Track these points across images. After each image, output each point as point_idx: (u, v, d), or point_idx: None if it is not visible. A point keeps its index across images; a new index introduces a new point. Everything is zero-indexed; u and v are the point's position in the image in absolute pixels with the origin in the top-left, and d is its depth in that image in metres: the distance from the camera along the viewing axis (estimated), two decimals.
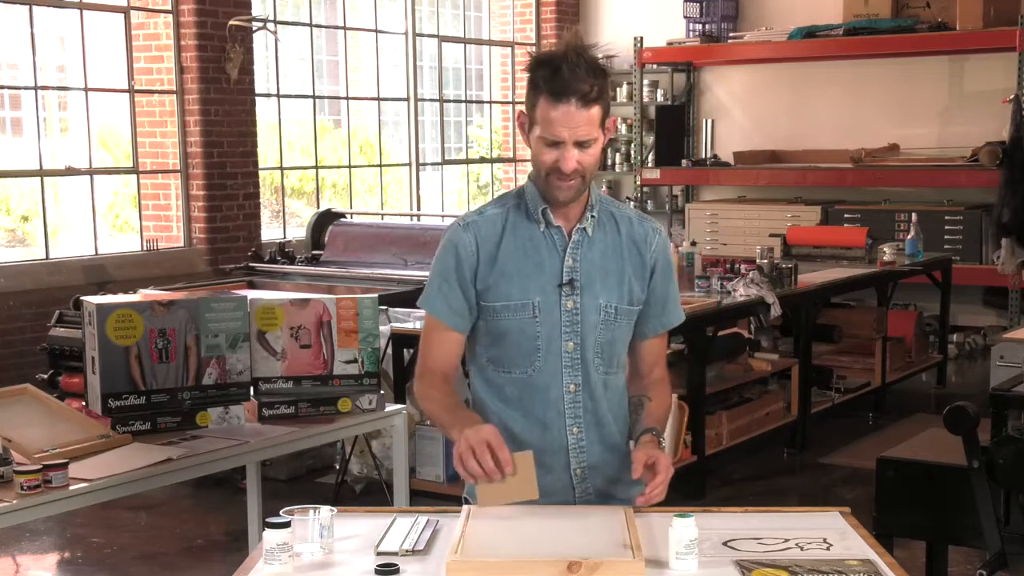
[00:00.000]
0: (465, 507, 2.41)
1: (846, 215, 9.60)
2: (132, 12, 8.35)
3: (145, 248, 8.48)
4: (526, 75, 2.50)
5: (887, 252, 7.47)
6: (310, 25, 9.80)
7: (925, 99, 10.02)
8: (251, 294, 5.41)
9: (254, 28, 8.62)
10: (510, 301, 2.52)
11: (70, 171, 8.22)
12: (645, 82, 11.08)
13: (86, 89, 8.20)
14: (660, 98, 11.14)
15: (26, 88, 8.19)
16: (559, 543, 2.20)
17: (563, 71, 2.39)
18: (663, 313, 2.64)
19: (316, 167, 10.03)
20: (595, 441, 2.57)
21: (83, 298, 3.69)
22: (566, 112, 2.40)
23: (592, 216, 2.55)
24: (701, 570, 2.17)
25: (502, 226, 2.55)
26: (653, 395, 2.64)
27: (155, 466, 3.20)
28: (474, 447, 2.35)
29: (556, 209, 2.54)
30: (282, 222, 9.74)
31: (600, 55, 2.45)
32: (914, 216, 8.08)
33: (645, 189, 11.10)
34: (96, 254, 8.13)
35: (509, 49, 11.67)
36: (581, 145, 2.43)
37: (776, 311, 5.99)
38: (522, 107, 2.53)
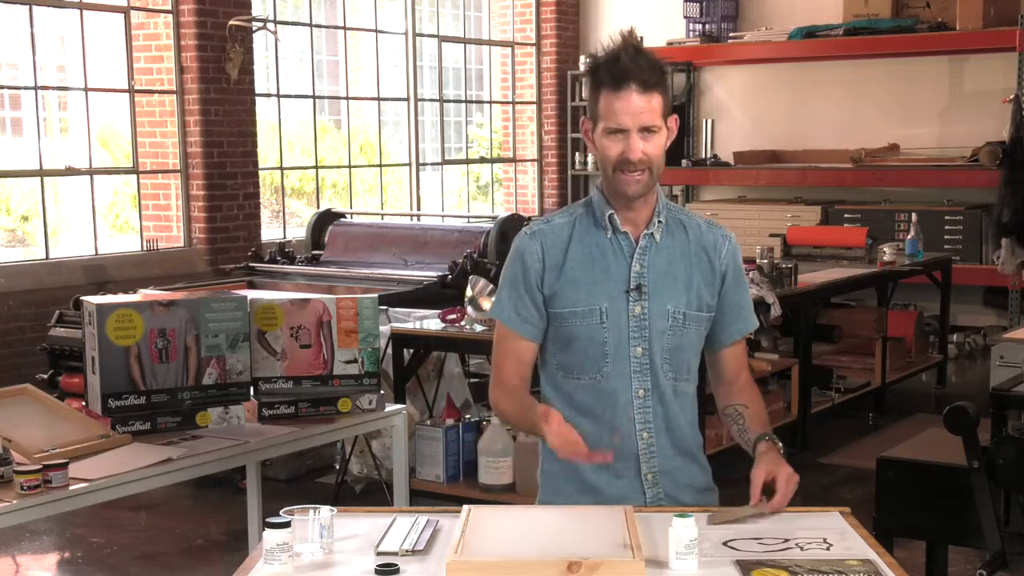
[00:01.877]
0: (465, 507, 2.41)
1: (846, 215, 9.60)
2: (132, 12, 8.34)
3: (145, 248, 8.48)
4: (588, 82, 2.53)
5: (887, 252, 7.47)
6: (310, 25, 9.80)
7: (925, 99, 10.02)
8: (251, 294, 5.40)
9: (254, 28, 8.62)
10: (577, 307, 2.53)
11: (70, 171, 8.22)
12: None
13: (86, 89, 8.19)
14: None
15: (26, 88, 8.20)
16: (559, 543, 2.20)
17: (622, 59, 2.44)
18: (738, 319, 2.65)
19: (316, 167, 10.03)
20: (666, 446, 2.58)
21: (83, 298, 3.68)
22: (627, 99, 2.43)
23: (660, 221, 2.56)
24: (701, 570, 2.17)
25: (569, 233, 2.57)
26: (747, 400, 2.65)
27: (155, 466, 3.19)
28: (561, 443, 2.40)
29: (623, 214, 2.55)
30: (282, 222, 9.74)
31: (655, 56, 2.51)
32: (914, 216, 8.08)
33: None
34: (96, 254, 8.13)
35: (509, 49, 11.67)
36: (645, 133, 2.45)
37: (776, 311, 5.99)
38: (584, 117, 2.57)
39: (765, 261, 6.36)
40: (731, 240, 2.64)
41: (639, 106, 2.43)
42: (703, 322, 2.60)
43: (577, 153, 11.80)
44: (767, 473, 2.45)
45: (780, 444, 2.56)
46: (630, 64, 2.43)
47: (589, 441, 2.48)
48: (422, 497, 4.93)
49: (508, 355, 2.61)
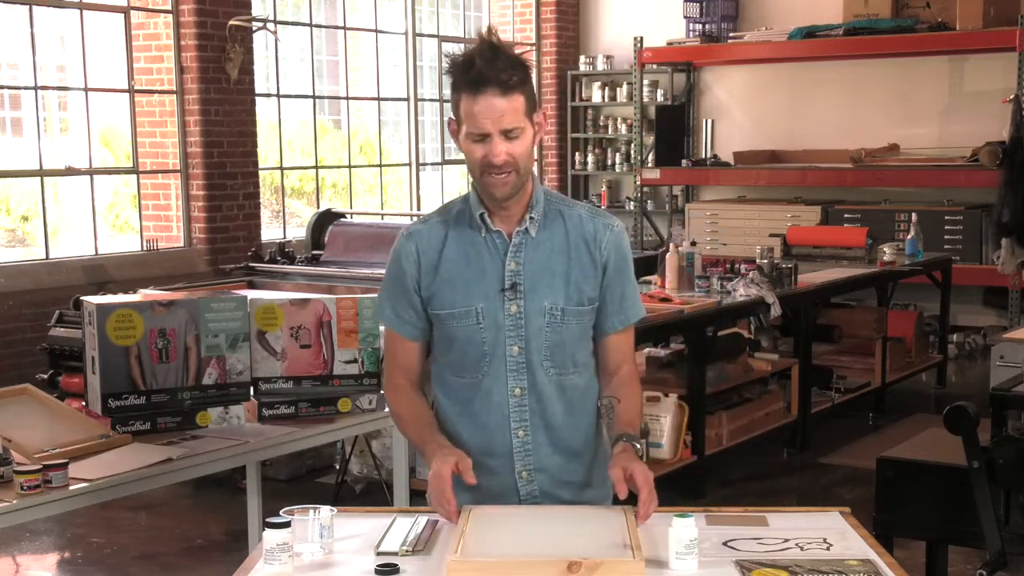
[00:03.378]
0: (465, 507, 2.41)
1: (846, 215, 9.60)
2: (132, 12, 8.35)
3: (145, 248, 8.48)
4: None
5: (887, 252, 7.47)
6: (310, 25, 9.80)
7: (925, 99, 10.02)
8: (251, 294, 5.40)
9: (254, 28, 8.62)
10: (454, 308, 2.53)
11: (70, 171, 8.22)
12: (645, 82, 11.08)
13: (86, 89, 8.20)
14: (660, 98, 11.14)
15: (26, 88, 8.19)
16: (559, 543, 2.20)
17: (476, 63, 2.40)
18: (620, 309, 2.60)
19: (316, 167, 10.03)
20: (543, 444, 2.56)
21: (83, 298, 3.69)
22: (487, 103, 2.40)
23: (532, 217, 2.53)
24: (701, 570, 2.17)
25: (444, 234, 2.56)
26: (622, 395, 2.58)
27: (155, 466, 3.19)
28: (434, 495, 2.41)
29: (495, 212, 2.53)
30: (282, 222, 9.74)
31: (517, 51, 2.47)
32: (914, 216, 8.08)
33: (645, 189, 11.10)
34: (96, 254, 8.13)
35: None
36: (508, 135, 2.42)
37: (776, 311, 5.99)
38: (450, 117, 2.54)
39: (765, 261, 6.36)
40: (613, 228, 2.59)
41: (499, 110, 2.40)
42: (585, 315, 2.57)
43: (577, 153, 11.81)
44: (625, 470, 2.38)
45: (639, 445, 2.48)
46: (485, 68, 2.38)
47: (465, 440, 2.54)
48: (422, 497, 4.91)
49: (394, 356, 2.65)
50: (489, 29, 2.49)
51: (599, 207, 2.74)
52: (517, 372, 2.53)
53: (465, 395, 2.57)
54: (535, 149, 2.56)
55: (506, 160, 2.43)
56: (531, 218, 2.53)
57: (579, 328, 2.57)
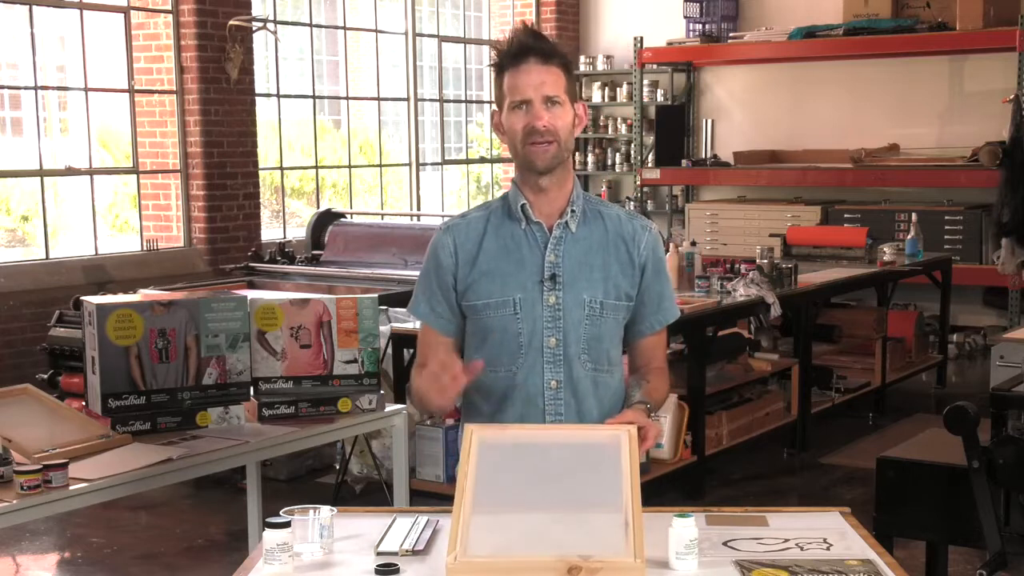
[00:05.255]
0: (467, 426, 2.39)
1: (846, 215, 9.60)
2: (132, 12, 8.35)
3: (145, 248, 8.48)
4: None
5: (887, 252, 7.48)
6: (310, 25, 9.80)
7: (925, 99, 10.02)
8: (251, 294, 5.40)
9: (254, 28, 8.62)
10: (491, 299, 2.53)
11: (70, 171, 8.22)
12: (645, 82, 11.08)
13: (86, 89, 8.20)
14: (660, 98, 11.14)
15: (26, 88, 8.20)
16: (560, 543, 2.19)
17: (519, 38, 2.51)
18: (658, 310, 2.64)
19: (316, 167, 10.03)
20: None
21: (83, 298, 3.68)
22: (527, 71, 2.48)
23: (573, 211, 2.56)
24: (701, 570, 2.17)
25: (483, 227, 2.57)
26: (651, 379, 2.62)
27: (155, 466, 3.19)
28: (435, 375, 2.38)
29: (536, 203, 2.55)
30: (282, 222, 9.74)
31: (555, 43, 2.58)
32: (914, 216, 8.08)
33: (645, 189, 11.10)
34: (96, 254, 8.13)
35: None
36: (549, 102, 2.48)
37: (776, 311, 5.99)
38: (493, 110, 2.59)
39: (765, 261, 6.36)
40: (651, 231, 2.64)
41: (540, 77, 2.48)
42: (621, 311, 2.59)
43: (577, 153, 11.80)
44: (634, 418, 2.40)
45: (654, 417, 2.51)
46: (527, 39, 2.50)
47: None
48: (422, 497, 4.93)
49: (428, 351, 2.61)
50: (524, 22, 2.58)
51: (632, 210, 2.75)
52: (554, 364, 2.54)
53: (499, 390, 2.57)
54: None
55: (548, 126, 2.47)
56: (572, 211, 2.56)
57: (615, 324, 2.59)
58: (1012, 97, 8.89)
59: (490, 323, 2.54)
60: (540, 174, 2.51)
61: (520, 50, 2.48)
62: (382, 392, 3.80)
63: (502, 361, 2.55)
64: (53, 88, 10.94)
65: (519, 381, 2.55)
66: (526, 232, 2.55)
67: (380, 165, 10.75)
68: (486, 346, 2.56)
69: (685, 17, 10.76)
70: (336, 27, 10.26)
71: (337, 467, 5.74)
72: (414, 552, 2.28)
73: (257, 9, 8.89)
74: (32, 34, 7.72)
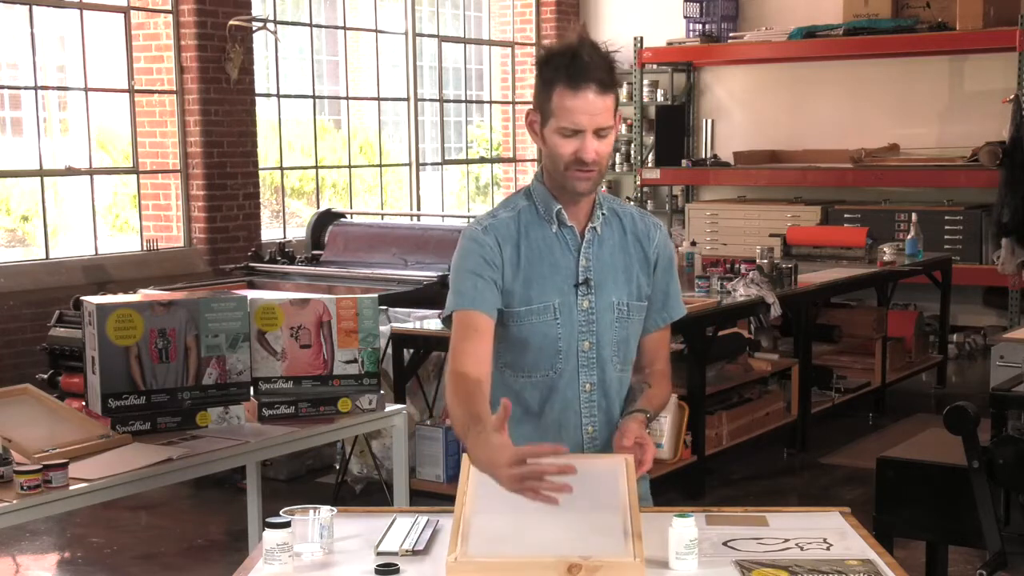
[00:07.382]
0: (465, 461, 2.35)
1: (846, 215, 9.60)
2: (132, 12, 8.34)
3: (145, 248, 8.48)
4: (535, 73, 2.49)
5: (887, 252, 7.48)
6: (310, 25, 9.80)
7: (925, 99, 10.02)
8: (251, 294, 5.41)
9: (254, 28, 8.62)
10: (532, 304, 2.51)
11: (70, 171, 8.22)
12: (645, 82, 11.08)
13: (86, 89, 8.19)
14: (660, 98, 11.14)
15: (26, 88, 8.19)
16: (560, 543, 2.19)
17: (581, 57, 2.39)
18: (664, 308, 2.65)
19: (316, 167, 10.03)
20: (606, 440, 2.57)
21: (83, 298, 3.68)
22: (585, 99, 2.39)
23: (602, 214, 2.56)
24: (701, 570, 2.17)
25: (516, 229, 2.54)
26: (653, 383, 2.63)
27: (155, 466, 3.19)
28: (523, 477, 2.15)
29: (567, 208, 2.54)
30: (282, 222, 9.74)
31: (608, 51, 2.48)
32: (914, 216, 8.08)
33: (645, 189, 11.10)
34: (96, 254, 8.13)
35: (509, 49, 11.67)
36: (599, 134, 2.43)
37: (776, 311, 5.99)
38: (529, 108, 2.52)
39: (765, 261, 6.36)
40: (662, 229, 2.65)
41: (597, 107, 2.40)
42: (642, 311, 2.60)
43: None
44: (638, 436, 2.41)
45: (651, 429, 2.53)
46: (589, 64, 2.38)
47: (536, 439, 2.44)
48: (422, 497, 4.93)
49: (470, 351, 2.44)
50: (584, 27, 2.51)
51: (643, 209, 2.75)
52: (588, 368, 2.54)
53: (533, 394, 2.55)
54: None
55: (595, 158, 2.44)
56: (602, 214, 2.56)
57: (639, 324, 2.60)
58: (1012, 97, 8.89)
59: (530, 329, 2.52)
60: (580, 196, 2.51)
61: (580, 73, 2.38)
62: (382, 392, 3.81)
63: (539, 366, 2.54)
64: (53, 88, 10.94)
65: (557, 385, 2.54)
66: (558, 235, 2.54)
67: (380, 165, 10.75)
68: (521, 351, 2.54)
69: (685, 17, 10.76)
70: (336, 27, 10.26)
71: (337, 467, 5.74)
72: (414, 552, 2.28)
73: (257, 9, 8.89)
74: (32, 34, 7.72)
